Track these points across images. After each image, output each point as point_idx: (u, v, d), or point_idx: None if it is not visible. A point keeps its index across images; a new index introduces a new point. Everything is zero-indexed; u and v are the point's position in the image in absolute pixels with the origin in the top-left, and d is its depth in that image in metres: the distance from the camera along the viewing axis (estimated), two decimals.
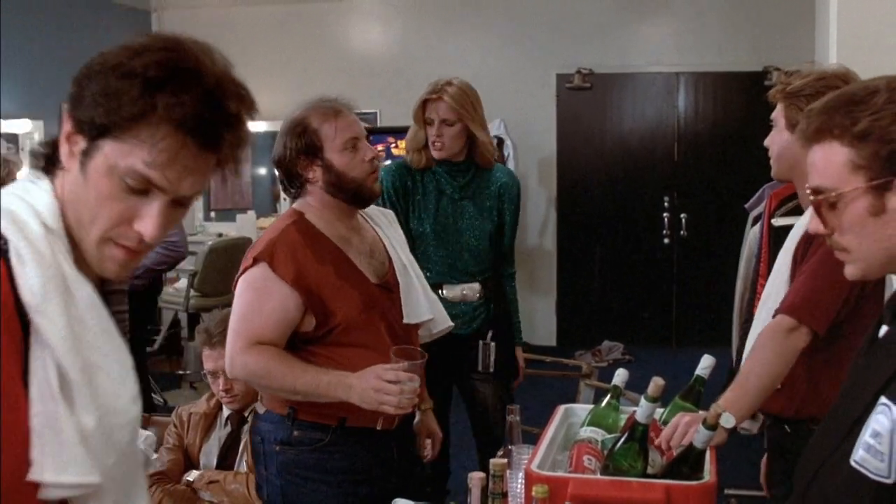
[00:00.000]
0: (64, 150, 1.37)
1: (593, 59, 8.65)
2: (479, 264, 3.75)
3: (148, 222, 1.35)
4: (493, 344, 3.70)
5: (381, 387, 2.45)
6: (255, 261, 2.59)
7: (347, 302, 2.62)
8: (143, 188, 1.33)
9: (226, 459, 3.26)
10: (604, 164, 8.63)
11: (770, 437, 2.62)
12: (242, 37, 9.45)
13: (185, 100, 1.31)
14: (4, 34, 7.22)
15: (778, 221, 3.34)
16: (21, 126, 7.62)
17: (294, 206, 2.77)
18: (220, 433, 3.31)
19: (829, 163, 1.54)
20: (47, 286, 1.28)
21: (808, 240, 2.42)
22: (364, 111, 8.75)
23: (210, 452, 3.30)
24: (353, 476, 2.60)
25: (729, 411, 2.17)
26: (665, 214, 8.62)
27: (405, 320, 2.75)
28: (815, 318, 2.34)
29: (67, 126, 1.36)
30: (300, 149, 2.67)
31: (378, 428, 2.62)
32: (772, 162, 2.59)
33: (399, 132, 8.72)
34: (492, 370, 3.69)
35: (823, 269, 2.34)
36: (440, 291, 3.53)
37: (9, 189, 1.38)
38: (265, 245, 2.61)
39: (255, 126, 7.90)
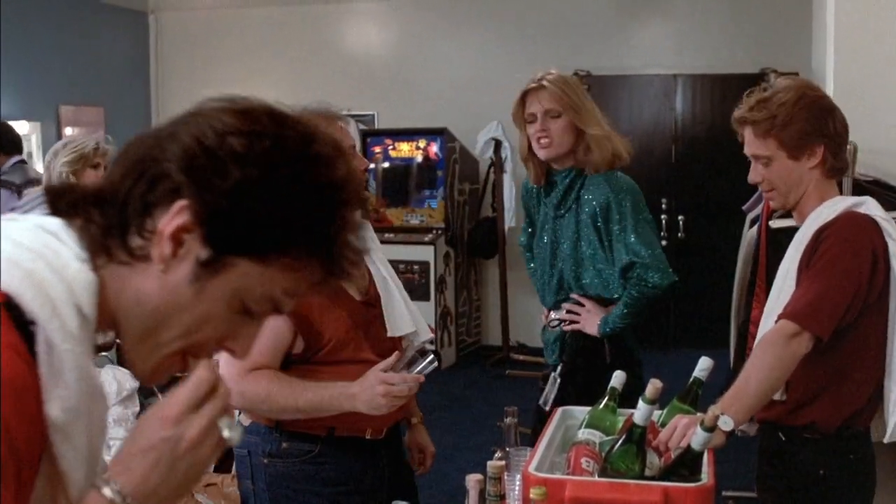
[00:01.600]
0: (163, 245, 1.07)
1: (591, 61, 8.66)
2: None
3: (246, 344, 1.17)
4: (559, 380, 3.31)
5: (389, 390, 2.44)
6: None
7: (335, 322, 2.59)
8: (263, 312, 1.15)
9: (223, 464, 3.23)
10: None
11: (763, 443, 2.61)
12: (239, 39, 9.47)
13: (350, 220, 1.12)
14: (2, 37, 7.23)
15: (775, 223, 3.36)
16: (19, 129, 7.62)
17: None
18: None
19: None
20: (80, 403, 1.03)
21: (812, 248, 2.42)
22: (362, 113, 8.77)
23: None
24: (345, 486, 2.58)
25: (728, 414, 2.17)
26: (663, 216, 8.62)
27: (389, 334, 2.71)
28: (818, 324, 2.33)
29: (181, 219, 1.06)
30: None
31: (367, 437, 2.62)
32: (776, 195, 2.57)
33: (397, 134, 8.76)
34: (548, 408, 3.19)
35: (825, 275, 2.36)
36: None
37: (25, 239, 1.06)
38: None
39: None
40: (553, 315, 3.38)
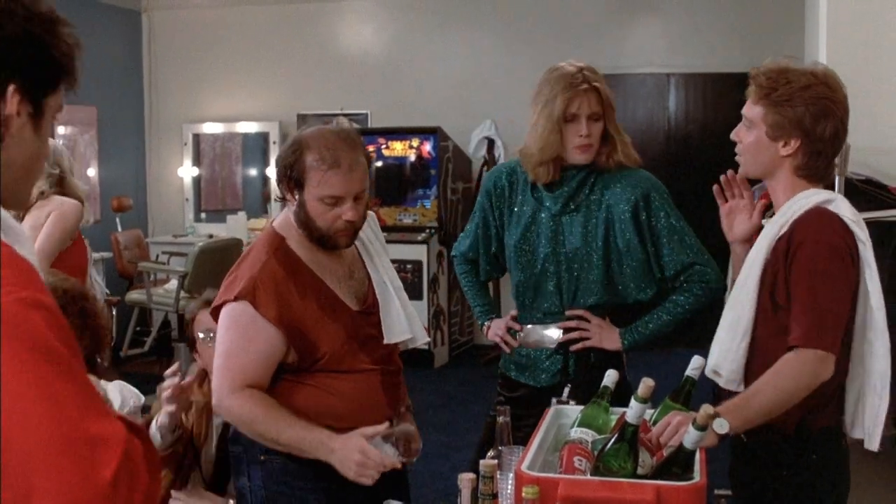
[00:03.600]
0: (12, 121, 1.44)
1: (584, 60, 8.59)
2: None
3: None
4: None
5: (365, 462, 2.46)
6: (237, 298, 2.54)
7: (330, 335, 2.60)
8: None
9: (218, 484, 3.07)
10: None
11: (732, 446, 2.59)
12: (232, 38, 9.46)
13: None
14: None
15: (768, 223, 3.34)
16: None
17: (275, 224, 2.71)
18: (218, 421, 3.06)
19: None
20: None
21: (787, 247, 2.37)
22: (355, 112, 8.77)
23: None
24: (342, 482, 2.58)
25: (726, 419, 2.16)
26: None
27: (385, 340, 2.71)
28: (832, 341, 2.29)
29: (17, 96, 1.43)
30: (288, 173, 2.59)
31: None
32: (742, 161, 2.55)
33: (390, 133, 8.76)
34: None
35: (821, 285, 2.31)
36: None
37: None
38: (247, 282, 2.55)
39: (245, 126, 7.98)
40: (552, 333, 3.12)
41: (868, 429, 2.43)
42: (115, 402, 3.13)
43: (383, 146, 8.60)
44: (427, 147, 8.50)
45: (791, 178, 2.47)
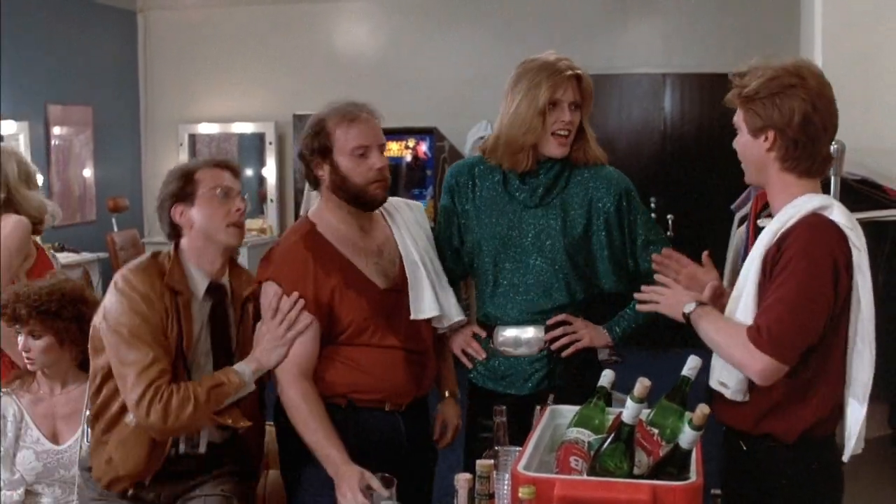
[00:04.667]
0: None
1: (580, 60, 8.53)
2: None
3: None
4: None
5: (344, 501, 2.55)
6: (267, 279, 2.78)
7: (354, 310, 2.77)
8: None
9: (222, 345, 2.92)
10: None
11: (727, 447, 2.58)
12: (228, 38, 9.46)
13: None
14: None
15: (764, 222, 3.34)
16: (6, 128, 7.59)
17: (310, 213, 2.91)
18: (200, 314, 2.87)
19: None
20: None
21: (776, 252, 2.35)
22: None
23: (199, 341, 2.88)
24: (362, 456, 2.64)
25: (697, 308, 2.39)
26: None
27: (412, 316, 2.83)
28: (788, 355, 2.28)
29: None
30: (315, 148, 2.80)
31: (386, 409, 2.82)
32: (745, 167, 2.55)
33: (386, 133, 8.69)
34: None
35: (796, 294, 2.28)
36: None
37: None
38: (275, 264, 2.80)
39: (241, 127, 7.97)
40: (535, 333, 2.99)
41: (848, 436, 2.43)
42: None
43: None
44: (423, 147, 8.49)
45: (780, 175, 2.44)
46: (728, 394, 2.43)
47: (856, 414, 2.40)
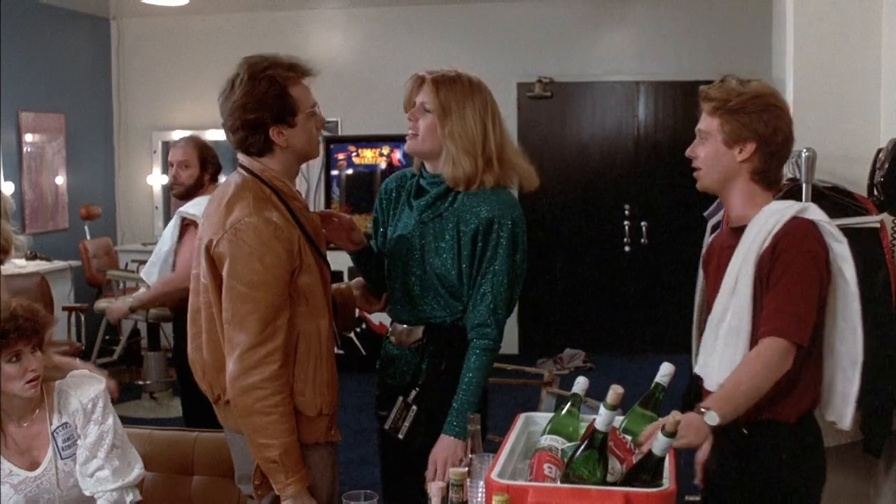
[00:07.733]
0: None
1: (554, 68, 8.69)
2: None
3: None
4: (414, 408, 2.93)
5: None
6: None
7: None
8: None
9: None
10: (564, 172, 8.66)
11: (719, 439, 2.62)
12: (201, 45, 9.42)
13: None
14: None
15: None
16: None
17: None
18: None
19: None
20: None
21: (770, 257, 2.49)
22: (326, 120, 8.75)
23: None
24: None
25: (716, 412, 2.31)
26: (625, 222, 8.67)
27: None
28: (801, 333, 2.44)
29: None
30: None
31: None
32: (701, 174, 2.68)
33: (361, 141, 8.74)
34: (401, 436, 2.93)
35: (796, 287, 2.45)
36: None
37: None
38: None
39: (215, 134, 7.89)
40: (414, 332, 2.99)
41: (839, 409, 2.61)
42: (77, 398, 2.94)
43: (354, 154, 8.60)
44: (398, 155, 8.50)
45: (748, 185, 2.62)
46: None
47: (844, 387, 2.59)
